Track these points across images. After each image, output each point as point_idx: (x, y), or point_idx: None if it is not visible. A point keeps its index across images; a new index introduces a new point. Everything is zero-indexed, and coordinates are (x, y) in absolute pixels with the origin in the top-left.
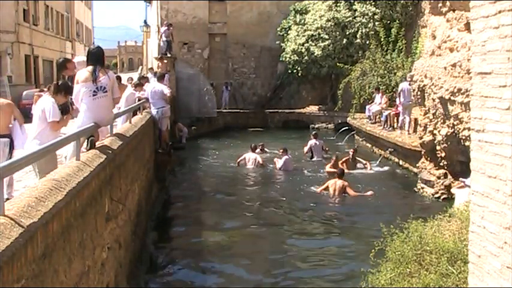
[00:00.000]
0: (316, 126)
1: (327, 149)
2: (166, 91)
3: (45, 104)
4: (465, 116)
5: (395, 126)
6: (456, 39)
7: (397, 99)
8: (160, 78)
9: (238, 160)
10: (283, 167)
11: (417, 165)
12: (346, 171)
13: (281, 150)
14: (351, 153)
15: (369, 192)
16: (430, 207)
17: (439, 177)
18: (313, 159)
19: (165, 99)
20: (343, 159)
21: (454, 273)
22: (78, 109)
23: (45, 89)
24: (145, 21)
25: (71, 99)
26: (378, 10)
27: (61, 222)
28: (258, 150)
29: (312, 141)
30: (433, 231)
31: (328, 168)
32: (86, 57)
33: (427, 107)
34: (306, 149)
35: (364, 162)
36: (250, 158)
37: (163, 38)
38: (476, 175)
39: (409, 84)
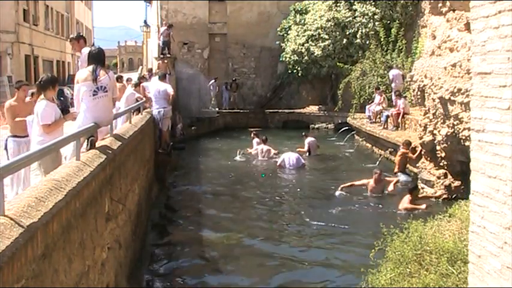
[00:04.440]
0: (316, 126)
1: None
2: (170, 90)
3: (37, 108)
4: (465, 116)
5: (398, 126)
6: (456, 39)
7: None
8: (163, 77)
9: (253, 153)
10: (283, 163)
11: (417, 165)
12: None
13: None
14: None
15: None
16: (430, 208)
17: (439, 177)
18: (310, 155)
19: (167, 99)
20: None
21: (454, 273)
22: (73, 115)
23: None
24: (145, 21)
25: (71, 99)
26: (378, 10)
27: (61, 222)
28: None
29: (309, 139)
30: (433, 231)
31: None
32: (87, 58)
33: (427, 107)
34: (306, 147)
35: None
36: (262, 150)
37: (162, 38)
38: (476, 175)
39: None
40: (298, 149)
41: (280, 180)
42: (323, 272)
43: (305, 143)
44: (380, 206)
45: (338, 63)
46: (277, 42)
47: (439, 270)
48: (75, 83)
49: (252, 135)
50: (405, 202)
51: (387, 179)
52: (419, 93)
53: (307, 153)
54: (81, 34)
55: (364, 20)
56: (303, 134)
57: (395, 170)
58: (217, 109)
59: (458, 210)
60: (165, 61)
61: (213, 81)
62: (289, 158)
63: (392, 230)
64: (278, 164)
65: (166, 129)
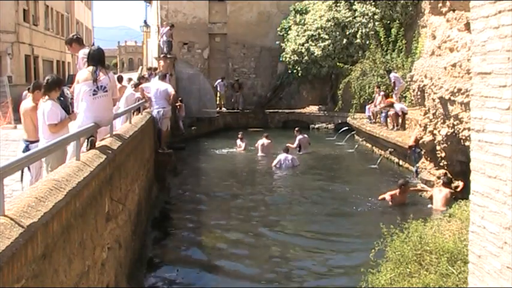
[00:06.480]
0: (316, 126)
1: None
2: (171, 89)
3: (44, 108)
4: (465, 116)
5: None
6: (456, 39)
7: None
8: (162, 77)
9: (257, 145)
10: (278, 164)
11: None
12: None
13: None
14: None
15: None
16: (430, 208)
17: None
18: (301, 152)
19: (167, 99)
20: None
21: (454, 273)
22: (76, 115)
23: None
24: (145, 22)
25: (71, 99)
26: (378, 10)
27: (61, 222)
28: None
29: (300, 136)
30: (433, 231)
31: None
32: (87, 58)
33: (427, 107)
34: (295, 144)
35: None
36: (262, 144)
37: (164, 38)
38: (476, 175)
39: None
40: (287, 145)
41: (279, 180)
42: (323, 272)
43: (296, 139)
44: (392, 210)
45: (338, 63)
46: (277, 42)
47: (439, 270)
48: (75, 83)
49: (240, 135)
50: (442, 198)
51: (412, 188)
52: (419, 93)
53: (298, 150)
54: (74, 36)
55: (364, 20)
56: (296, 129)
57: (412, 143)
58: (217, 109)
59: (458, 210)
60: (167, 61)
61: (219, 80)
62: (285, 158)
63: (393, 230)
64: (273, 164)
65: (166, 129)
